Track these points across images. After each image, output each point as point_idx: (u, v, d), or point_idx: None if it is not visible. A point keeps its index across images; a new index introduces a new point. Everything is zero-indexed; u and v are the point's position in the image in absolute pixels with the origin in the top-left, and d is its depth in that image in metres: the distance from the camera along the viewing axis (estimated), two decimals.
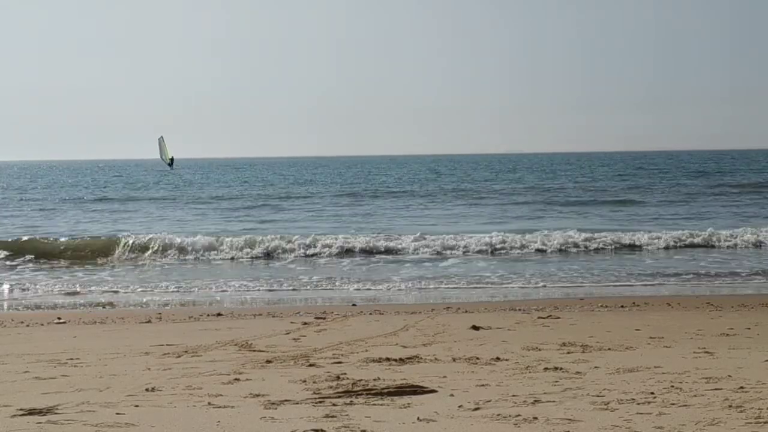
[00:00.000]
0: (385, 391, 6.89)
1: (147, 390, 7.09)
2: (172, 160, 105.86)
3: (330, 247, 23.77)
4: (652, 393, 6.77)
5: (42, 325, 12.49)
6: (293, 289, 17.49)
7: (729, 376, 7.45)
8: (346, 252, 23.54)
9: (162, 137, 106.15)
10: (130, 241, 24.50)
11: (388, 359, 8.49)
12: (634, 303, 14.30)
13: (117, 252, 23.89)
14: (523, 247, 23.83)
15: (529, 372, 7.80)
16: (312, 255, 23.39)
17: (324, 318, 12.45)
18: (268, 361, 8.49)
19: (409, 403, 6.53)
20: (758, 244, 24.20)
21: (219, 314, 13.36)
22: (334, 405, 6.47)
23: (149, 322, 12.69)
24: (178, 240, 24.37)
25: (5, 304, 15.94)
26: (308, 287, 17.84)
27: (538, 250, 23.55)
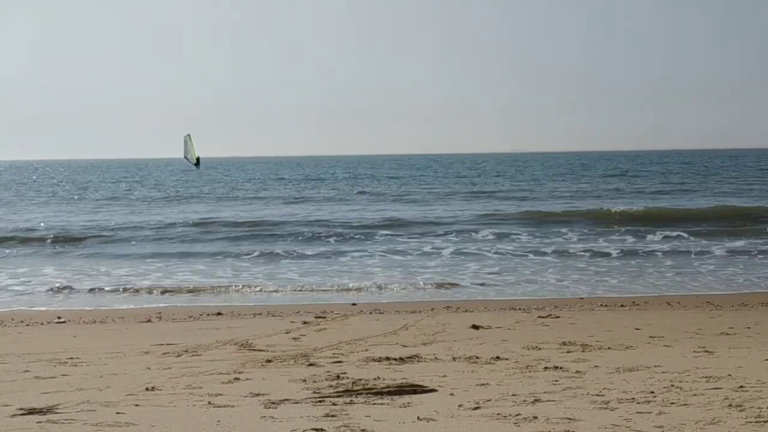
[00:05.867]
0: (385, 390, 6.89)
1: (147, 389, 7.08)
2: (198, 159, 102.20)
3: None
4: (652, 392, 6.77)
5: (42, 324, 12.50)
6: None
7: (729, 375, 7.45)
8: None
9: (189, 135, 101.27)
10: None
11: (388, 358, 8.49)
12: (633, 302, 14.30)
13: None
14: None
15: (529, 371, 7.80)
16: None
17: (324, 317, 12.45)
18: (268, 361, 8.49)
19: (409, 403, 6.52)
20: None
21: (219, 313, 13.36)
22: (334, 404, 6.47)
23: (149, 321, 12.69)
24: None
25: None
26: None
27: None
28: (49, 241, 26.27)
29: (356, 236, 26.69)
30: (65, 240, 26.57)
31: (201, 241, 26.07)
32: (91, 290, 17.18)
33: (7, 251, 24.46)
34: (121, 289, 17.19)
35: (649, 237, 25.62)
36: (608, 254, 22.03)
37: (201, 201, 45.78)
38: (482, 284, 17.55)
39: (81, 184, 72.34)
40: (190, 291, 17.06)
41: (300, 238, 26.58)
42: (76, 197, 51.35)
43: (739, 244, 23.80)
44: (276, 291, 16.97)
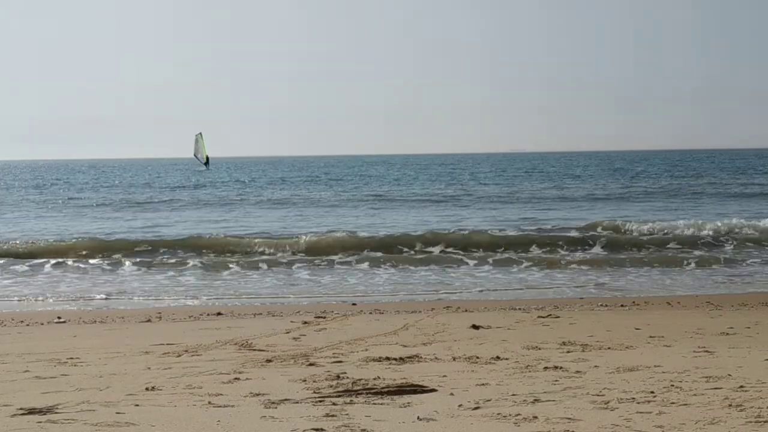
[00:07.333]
0: (385, 390, 6.89)
1: (147, 389, 7.08)
2: (207, 159, 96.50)
3: None
4: (652, 392, 6.77)
5: (42, 324, 12.49)
6: None
7: (729, 375, 7.45)
8: None
9: (200, 134, 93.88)
10: None
11: (388, 358, 8.49)
12: (633, 302, 14.30)
13: None
14: None
15: (529, 371, 7.80)
16: None
17: (324, 317, 12.45)
18: (268, 360, 8.49)
19: (409, 403, 6.52)
20: None
21: (219, 313, 13.36)
22: (334, 404, 6.47)
23: (149, 321, 12.69)
24: None
25: None
26: None
27: None
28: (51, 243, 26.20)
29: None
30: (74, 242, 26.45)
31: (197, 245, 26.01)
32: (92, 290, 17.18)
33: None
34: (120, 290, 17.20)
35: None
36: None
37: (190, 206, 45.48)
38: (481, 284, 17.56)
39: (92, 185, 72.25)
40: (190, 292, 17.07)
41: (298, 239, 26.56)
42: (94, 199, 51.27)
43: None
44: (276, 292, 16.98)
